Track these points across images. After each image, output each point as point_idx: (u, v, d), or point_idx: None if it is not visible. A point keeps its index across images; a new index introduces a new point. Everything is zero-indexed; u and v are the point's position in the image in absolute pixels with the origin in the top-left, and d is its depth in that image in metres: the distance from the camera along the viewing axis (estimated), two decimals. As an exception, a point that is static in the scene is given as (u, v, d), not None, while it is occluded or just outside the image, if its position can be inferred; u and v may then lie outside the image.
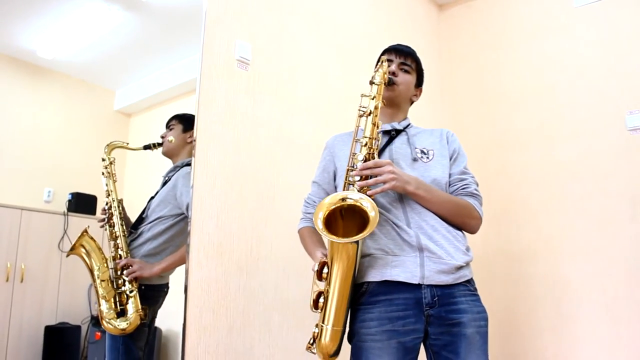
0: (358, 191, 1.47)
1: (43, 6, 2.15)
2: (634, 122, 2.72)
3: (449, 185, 1.68)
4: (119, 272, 1.97)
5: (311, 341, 1.48)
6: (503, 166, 3.17)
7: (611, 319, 2.63)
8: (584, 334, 2.71)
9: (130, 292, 1.96)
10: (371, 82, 1.63)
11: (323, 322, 1.44)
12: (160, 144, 2.19)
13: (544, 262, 2.93)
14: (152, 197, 2.16)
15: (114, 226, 2.04)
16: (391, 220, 1.56)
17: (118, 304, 1.95)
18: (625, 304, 2.61)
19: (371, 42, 3.12)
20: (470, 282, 1.57)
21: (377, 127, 1.57)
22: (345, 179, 1.55)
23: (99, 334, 2.11)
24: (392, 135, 1.73)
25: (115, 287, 1.97)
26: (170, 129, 2.22)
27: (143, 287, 2.00)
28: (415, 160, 1.66)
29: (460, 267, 1.53)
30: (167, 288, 2.09)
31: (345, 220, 1.46)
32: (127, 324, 1.94)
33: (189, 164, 2.13)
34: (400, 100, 1.77)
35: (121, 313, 1.96)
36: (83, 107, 2.34)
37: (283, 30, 2.56)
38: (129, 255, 2.02)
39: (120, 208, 2.07)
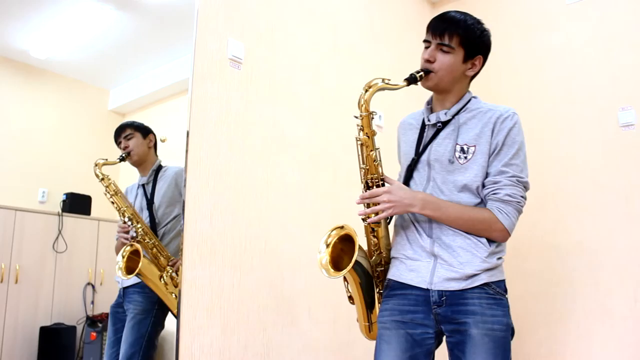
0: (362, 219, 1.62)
1: (36, 6, 2.14)
2: (626, 118, 2.72)
3: (483, 187, 1.56)
4: (170, 273, 2.08)
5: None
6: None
7: (605, 314, 2.64)
8: (578, 329, 2.72)
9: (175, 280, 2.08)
10: (356, 117, 1.64)
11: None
12: (127, 155, 2.19)
13: (537, 258, 2.94)
14: (150, 202, 2.19)
15: (145, 237, 2.09)
16: (416, 228, 1.61)
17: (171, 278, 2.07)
18: (619, 299, 2.62)
19: (364, 40, 3.12)
20: (490, 285, 1.50)
21: (374, 159, 1.61)
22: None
23: (94, 334, 2.11)
24: (438, 127, 1.62)
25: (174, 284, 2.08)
26: (129, 139, 2.21)
27: None
28: (451, 162, 1.56)
29: (473, 275, 1.49)
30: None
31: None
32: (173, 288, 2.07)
33: (161, 166, 2.22)
34: (445, 86, 1.60)
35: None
36: (77, 107, 2.33)
37: (276, 29, 2.56)
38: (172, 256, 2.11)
39: (137, 217, 2.12)
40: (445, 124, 1.62)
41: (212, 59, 2.22)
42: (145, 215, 2.16)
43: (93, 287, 2.12)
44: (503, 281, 1.56)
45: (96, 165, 2.12)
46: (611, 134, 2.76)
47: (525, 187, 1.59)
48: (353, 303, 1.73)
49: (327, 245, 1.64)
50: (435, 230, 1.56)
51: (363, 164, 1.61)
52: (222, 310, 2.09)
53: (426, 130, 1.66)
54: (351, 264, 1.53)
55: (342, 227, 1.62)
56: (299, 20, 2.71)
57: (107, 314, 2.15)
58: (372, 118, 1.61)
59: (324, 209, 2.63)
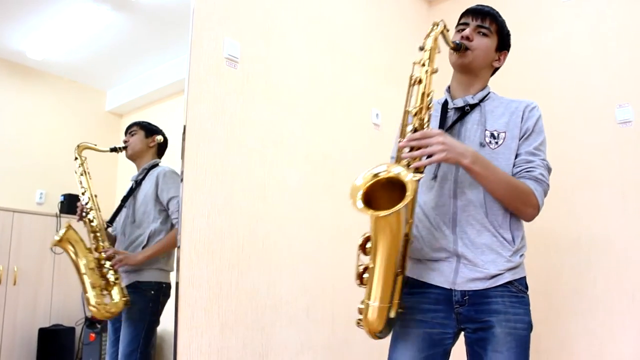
0: (406, 165, 1.36)
1: (32, 7, 2.15)
2: (623, 115, 2.72)
3: (514, 166, 1.53)
4: (102, 262, 2.07)
5: (358, 320, 1.47)
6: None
7: (602, 311, 2.64)
8: (576, 326, 2.72)
9: (115, 279, 2.06)
10: (420, 48, 1.47)
11: (368, 299, 1.40)
12: (124, 148, 2.26)
13: (534, 255, 2.93)
14: (126, 198, 2.22)
15: (93, 220, 2.12)
16: (435, 222, 1.53)
17: (103, 291, 2.05)
18: (617, 295, 2.62)
19: (361, 39, 3.12)
20: (513, 282, 1.48)
21: (428, 95, 1.43)
22: (397, 154, 1.44)
23: (93, 335, 2.11)
24: (465, 110, 1.58)
25: (101, 275, 2.06)
26: (132, 135, 2.28)
27: (164, 285, 2.14)
28: (482, 145, 1.52)
29: (497, 275, 1.47)
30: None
31: (390, 195, 1.34)
32: (115, 305, 2.05)
33: (156, 165, 2.25)
34: (477, 67, 1.60)
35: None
36: (74, 108, 2.34)
37: (272, 28, 2.55)
38: (111, 246, 2.12)
39: (96, 203, 2.15)
40: (472, 107, 1.59)
41: (209, 58, 2.22)
42: (125, 212, 2.20)
43: (95, 287, 2.12)
44: (524, 278, 1.55)
45: (79, 146, 2.17)
46: (609, 130, 2.76)
47: (550, 174, 1.60)
48: (362, 283, 1.45)
49: (372, 178, 1.33)
50: (461, 222, 1.49)
51: (415, 103, 1.43)
52: (220, 310, 2.09)
53: (450, 113, 1.60)
54: (406, 201, 1.25)
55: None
56: (295, 19, 2.70)
57: (106, 314, 2.16)
58: (438, 53, 1.49)
59: (321, 207, 2.63)
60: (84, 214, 2.11)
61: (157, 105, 2.44)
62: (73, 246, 2.04)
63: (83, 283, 2.03)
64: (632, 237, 2.61)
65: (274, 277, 2.34)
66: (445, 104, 1.63)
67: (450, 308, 1.49)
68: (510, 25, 3.30)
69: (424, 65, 1.45)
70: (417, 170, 1.35)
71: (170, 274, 2.15)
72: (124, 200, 2.21)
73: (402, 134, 1.46)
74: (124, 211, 2.20)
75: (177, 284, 1.97)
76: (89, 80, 2.40)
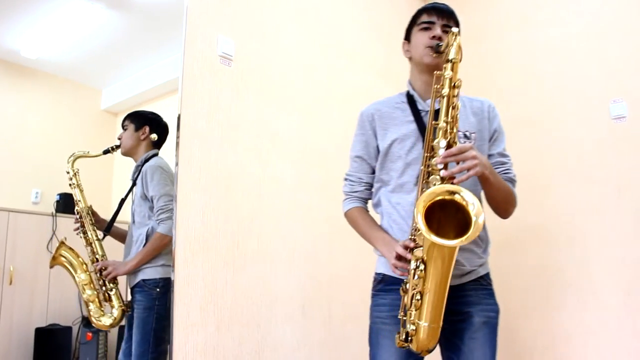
0: (442, 179, 1.39)
1: (26, 6, 2.14)
2: (617, 110, 2.72)
3: None
4: (98, 274, 2.10)
5: (403, 337, 1.44)
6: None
7: (599, 306, 2.65)
8: (572, 321, 2.73)
9: (111, 290, 2.08)
10: (447, 60, 1.46)
11: (420, 320, 1.40)
12: (118, 147, 2.25)
13: (532, 251, 2.95)
14: (123, 199, 2.21)
15: (87, 233, 2.13)
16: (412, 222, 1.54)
17: (102, 304, 2.08)
18: (613, 290, 2.62)
19: (355, 36, 3.12)
20: (483, 277, 1.58)
21: (456, 109, 1.45)
22: (424, 166, 1.46)
23: (90, 334, 2.11)
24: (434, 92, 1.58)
25: (96, 288, 2.09)
26: (125, 130, 2.26)
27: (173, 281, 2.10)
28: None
29: (471, 271, 1.55)
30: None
31: (441, 214, 1.37)
32: (113, 319, 2.07)
33: (147, 160, 2.21)
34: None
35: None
36: (69, 107, 2.34)
37: (266, 25, 2.55)
38: (104, 258, 2.13)
39: (91, 215, 2.16)
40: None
41: (202, 56, 2.21)
42: (131, 212, 2.21)
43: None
44: (489, 273, 1.64)
45: (71, 156, 2.18)
46: (603, 126, 2.77)
47: None
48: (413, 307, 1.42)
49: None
50: None
51: (445, 117, 1.43)
52: (216, 308, 2.09)
53: (424, 116, 1.61)
54: (474, 229, 1.28)
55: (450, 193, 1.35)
56: (289, 15, 2.70)
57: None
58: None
59: (316, 205, 2.62)
60: (79, 227, 2.14)
61: (152, 103, 2.43)
62: (69, 262, 2.08)
63: (84, 299, 2.08)
64: (627, 232, 2.62)
65: (270, 274, 2.34)
66: (413, 103, 1.64)
67: None
68: (506, 20, 3.30)
69: (450, 78, 1.47)
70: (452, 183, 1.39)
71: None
72: (122, 201, 2.21)
73: (427, 148, 1.47)
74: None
75: (172, 282, 1.97)
76: (84, 79, 2.40)
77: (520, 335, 2.89)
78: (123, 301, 2.08)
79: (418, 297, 1.39)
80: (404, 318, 1.44)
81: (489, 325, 1.54)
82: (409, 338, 1.42)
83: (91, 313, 2.05)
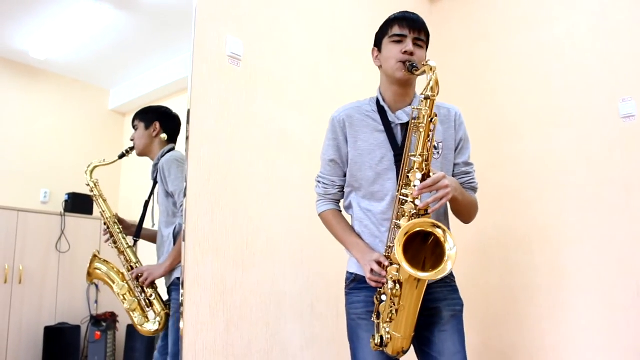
0: (417, 209, 1.51)
1: (34, 7, 2.15)
2: (626, 109, 2.71)
3: (453, 175, 1.69)
4: (135, 282, 2.09)
5: (378, 341, 1.56)
6: (497, 156, 3.17)
7: (607, 306, 2.64)
8: (581, 321, 2.72)
9: (151, 296, 2.09)
10: (426, 97, 1.51)
11: (395, 332, 1.54)
12: (132, 148, 2.22)
13: (540, 251, 2.94)
14: (147, 201, 2.19)
15: (117, 242, 2.12)
16: (381, 227, 1.66)
17: (145, 309, 2.09)
18: (621, 290, 2.61)
19: (363, 36, 3.11)
20: (448, 276, 1.67)
21: (431, 142, 1.52)
22: (398, 192, 1.55)
23: (98, 333, 2.12)
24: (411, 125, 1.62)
25: (136, 296, 2.10)
26: (136, 129, 2.24)
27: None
28: None
29: None
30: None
31: (418, 239, 1.51)
32: (158, 324, 2.08)
33: (163, 155, 2.18)
34: (415, 79, 1.68)
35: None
36: (77, 107, 2.34)
37: (274, 26, 2.55)
38: (138, 264, 2.12)
39: (118, 223, 2.14)
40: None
41: (211, 56, 2.22)
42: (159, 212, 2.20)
43: (97, 286, 2.13)
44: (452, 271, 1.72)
45: (89, 167, 2.15)
46: (612, 125, 2.76)
47: None
48: (388, 318, 1.55)
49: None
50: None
51: (421, 150, 1.51)
52: (225, 307, 2.09)
53: (394, 128, 1.67)
54: (444, 267, 1.43)
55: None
56: (297, 16, 2.70)
57: (111, 313, 2.16)
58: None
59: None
60: (108, 237, 2.13)
61: (160, 103, 2.43)
62: (105, 276, 2.09)
63: (125, 309, 2.09)
64: (636, 231, 2.61)
65: (278, 273, 2.34)
66: (384, 114, 1.68)
67: None
68: (512, 21, 3.30)
69: (426, 113, 1.52)
70: (426, 212, 1.52)
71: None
72: (147, 203, 2.20)
73: (402, 177, 1.56)
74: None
75: (182, 281, 1.98)
76: (92, 79, 2.40)
77: (527, 335, 2.88)
78: (165, 304, 2.08)
79: (394, 312, 1.53)
80: (378, 321, 1.57)
81: (456, 318, 1.66)
82: (384, 344, 1.55)
83: (135, 321, 2.06)
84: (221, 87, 2.24)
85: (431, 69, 1.51)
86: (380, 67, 1.74)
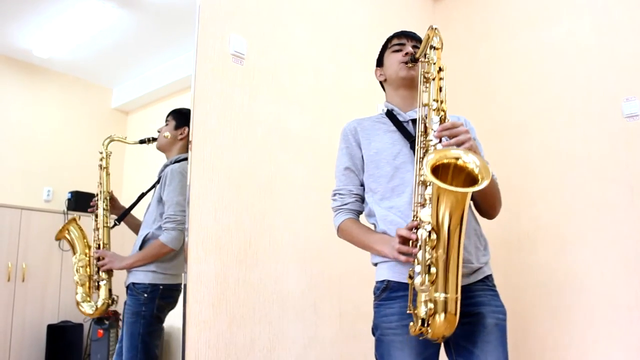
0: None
1: (37, 5, 2.15)
2: (630, 109, 2.71)
3: None
4: (95, 261, 2.07)
5: (420, 323, 1.35)
6: (500, 156, 3.17)
7: (610, 305, 2.64)
8: (584, 320, 2.71)
9: (102, 280, 2.05)
10: (432, 47, 1.53)
11: (437, 292, 1.31)
12: (155, 139, 2.23)
13: (544, 250, 2.93)
14: (144, 193, 2.20)
15: (97, 217, 2.11)
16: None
17: (91, 289, 2.05)
18: (625, 289, 2.61)
19: (366, 34, 3.11)
20: (488, 278, 1.56)
21: (441, 90, 1.50)
22: (417, 145, 1.49)
23: (101, 331, 2.11)
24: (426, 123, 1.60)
25: (90, 274, 2.06)
26: (167, 125, 2.25)
27: (162, 287, 2.08)
28: None
29: (478, 269, 1.53)
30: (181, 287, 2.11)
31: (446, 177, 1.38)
32: (95, 309, 2.04)
33: (177, 161, 2.18)
34: (417, 83, 1.65)
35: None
36: (80, 106, 2.34)
37: (278, 24, 2.55)
38: (106, 247, 2.10)
39: (108, 200, 2.14)
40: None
41: (215, 54, 2.22)
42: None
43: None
44: (492, 274, 1.63)
45: (108, 137, 2.19)
46: (615, 124, 2.75)
47: None
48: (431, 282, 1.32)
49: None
50: None
51: (435, 97, 1.49)
52: (228, 305, 2.09)
53: (406, 125, 1.66)
54: (481, 185, 1.29)
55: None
56: (301, 15, 2.70)
57: (114, 311, 2.16)
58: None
59: (327, 203, 2.61)
60: (94, 208, 2.12)
61: (163, 102, 2.44)
62: (72, 240, 2.06)
63: (75, 280, 2.05)
64: (640, 230, 2.61)
65: (281, 272, 2.34)
66: (393, 116, 1.68)
67: None
68: (516, 19, 3.30)
69: (434, 63, 1.53)
70: None
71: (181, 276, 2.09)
72: (142, 195, 2.20)
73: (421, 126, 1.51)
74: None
75: (185, 279, 1.98)
76: (95, 78, 2.40)
77: (531, 335, 2.88)
78: (111, 296, 2.05)
79: (433, 269, 1.31)
80: (415, 312, 1.37)
81: (500, 328, 1.50)
82: (426, 323, 1.33)
83: (77, 297, 2.02)
84: (224, 86, 2.24)
85: (432, 29, 1.54)
86: (384, 81, 1.77)
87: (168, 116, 2.26)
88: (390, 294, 1.52)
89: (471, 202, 1.61)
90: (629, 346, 2.55)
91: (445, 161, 1.37)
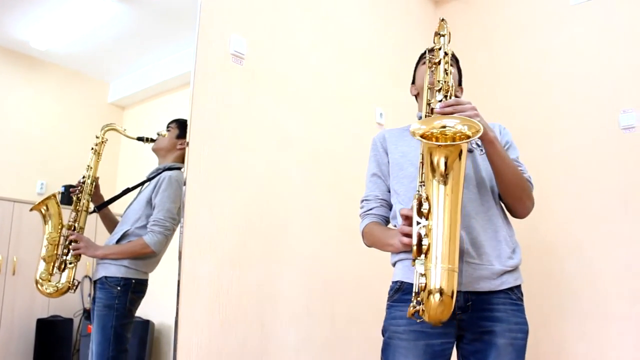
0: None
1: (36, -3, 2.14)
2: (627, 120, 2.72)
3: None
4: (67, 242, 2.03)
5: (416, 302, 1.25)
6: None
7: (603, 315, 2.65)
8: (577, 331, 2.73)
9: (70, 263, 2.02)
10: (437, 34, 1.54)
11: (430, 264, 1.21)
12: (153, 140, 2.23)
13: (538, 260, 2.94)
14: (129, 189, 2.19)
15: (80, 200, 2.09)
16: None
17: (55, 269, 2.02)
18: (618, 301, 2.62)
19: (366, 37, 3.12)
20: (513, 290, 1.47)
21: (449, 74, 1.47)
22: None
23: (91, 326, 2.11)
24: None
25: (57, 253, 2.03)
26: (168, 130, 2.25)
27: (134, 281, 2.06)
28: (470, 151, 1.52)
29: (503, 273, 1.44)
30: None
31: None
32: (55, 290, 2.00)
33: (171, 168, 2.17)
34: None
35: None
36: (77, 99, 2.32)
37: (278, 25, 2.55)
38: (81, 231, 2.07)
39: (92, 185, 2.12)
40: None
41: (215, 54, 2.21)
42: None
43: (90, 279, 2.12)
44: (521, 285, 1.53)
45: (108, 124, 2.19)
46: (612, 136, 2.76)
47: None
48: (422, 252, 1.23)
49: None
50: (464, 217, 1.38)
51: (440, 77, 1.47)
52: (221, 306, 2.09)
53: None
54: (475, 136, 1.22)
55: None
56: (301, 16, 2.70)
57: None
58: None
59: (324, 205, 2.63)
60: (77, 190, 2.10)
61: (160, 98, 2.43)
62: (47, 215, 2.03)
63: (41, 255, 2.02)
64: (633, 242, 2.62)
65: (275, 274, 2.34)
66: None
67: (451, 315, 1.32)
68: (516, 27, 3.30)
69: (439, 49, 1.52)
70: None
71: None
72: (127, 190, 2.18)
73: (421, 109, 1.50)
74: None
75: (178, 279, 1.96)
76: (92, 72, 2.38)
77: (529, 341, 2.89)
78: (73, 281, 2.02)
79: (425, 241, 1.22)
80: (418, 298, 1.26)
81: (516, 348, 1.40)
82: (420, 300, 1.25)
83: (38, 273, 1.98)
84: (223, 86, 2.23)
85: (440, 20, 1.56)
86: (417, 95, 1.77)
87: (172, 123, 2.25)
88: (402, 296, 1.47)
89: (501, 202, 1.57)
90: (622, 357, 2.57)
91: (435, 131, 1.28)
